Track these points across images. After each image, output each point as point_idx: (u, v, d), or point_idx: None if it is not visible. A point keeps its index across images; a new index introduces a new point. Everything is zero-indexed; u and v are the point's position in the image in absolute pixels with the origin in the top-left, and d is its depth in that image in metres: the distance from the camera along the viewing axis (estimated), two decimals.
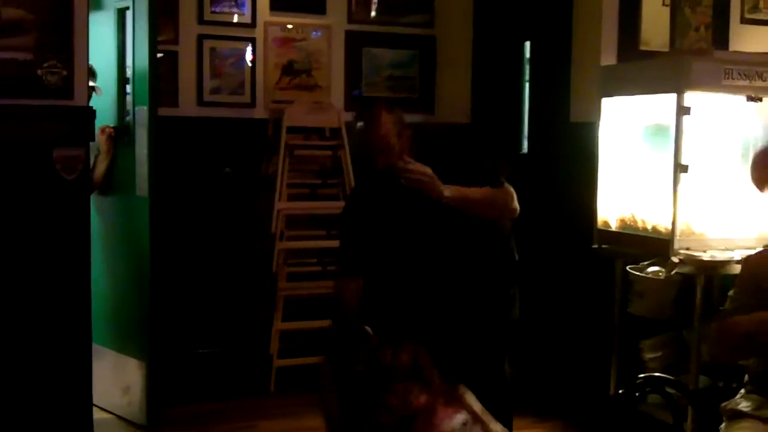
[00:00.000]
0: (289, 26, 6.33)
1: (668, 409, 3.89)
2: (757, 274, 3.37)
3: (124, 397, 5.27)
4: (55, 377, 4.36)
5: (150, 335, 5.05)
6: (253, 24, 6.23)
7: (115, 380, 5.30)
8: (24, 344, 4.27)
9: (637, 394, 3.29)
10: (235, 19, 6.21)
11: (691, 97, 4.37)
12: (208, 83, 6.16)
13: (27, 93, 4.14)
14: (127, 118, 5.16)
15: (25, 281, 4.27)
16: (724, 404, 3.38)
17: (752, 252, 3.62)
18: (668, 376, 3.44)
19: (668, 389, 3.38)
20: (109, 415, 5.30)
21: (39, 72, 4.16)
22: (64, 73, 4.20)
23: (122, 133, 5.21)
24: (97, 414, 4.96)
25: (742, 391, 3.38)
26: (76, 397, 4.44)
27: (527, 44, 6.22)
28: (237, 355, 6.18)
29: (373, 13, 6.57)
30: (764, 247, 3.80)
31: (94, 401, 4.66)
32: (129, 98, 5.16)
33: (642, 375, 3.47)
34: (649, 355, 4.86)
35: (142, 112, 4.98)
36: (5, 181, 4.20)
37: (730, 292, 3.48)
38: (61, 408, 4.39)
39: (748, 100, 4.48)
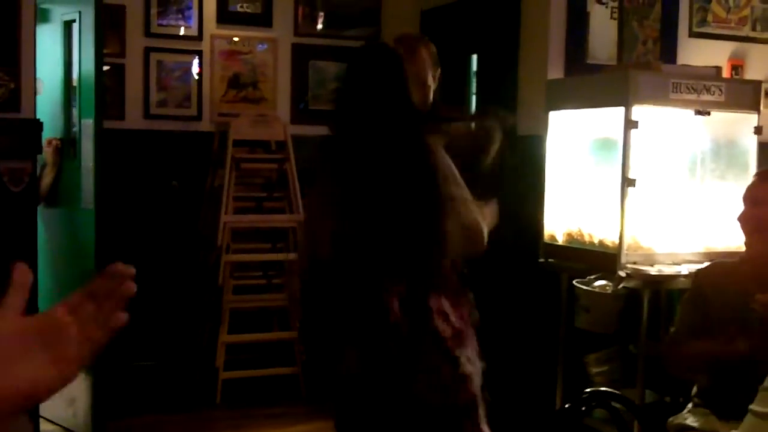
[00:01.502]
0: (236, 39, 6.31)
1: (614, 424, 3.93)
2: (705, 286, 3.42)
3: (69, 409, 5.20)
4: None
5: None
6: (199, 37, 6.20)
7: (60, 392, 5.21)
8: None
9: (583, 408, 3.29)
10: (182, 32, 6.17)
11: (638, 111, 4.40)
12: (155, 96, 6.11)
13: None
14: (74, 130, 5.11)
15: None
16: (671, 419, 3.42)
17: (701, 266, 3.68)
18: (614, 391, 3.46)
19: (614, 404, 3.40)
20: (55, 427, 5.24)
21: None
22: (11, 85, 4.17)
23: (68, 145, 5.16)
24: (43, 425, 4.94)
25: (690, 405, 3.42)
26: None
27: (474, 57, 6.24)
28: (183, 368, 6.13)
29: (319, 26, 6.57)
30: (711, 261, 3.87)
31: (40, 413, 4.60)
32: (75, 111, 5.11)
33: (588, 389, 3.49)
34: (594, 370, 4.88)
35: (88, 124, 4.94)
36: None
37: (677, 316, 3.53)
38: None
39: (696, 114, 4.54)
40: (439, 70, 3.68)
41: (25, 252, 4.34)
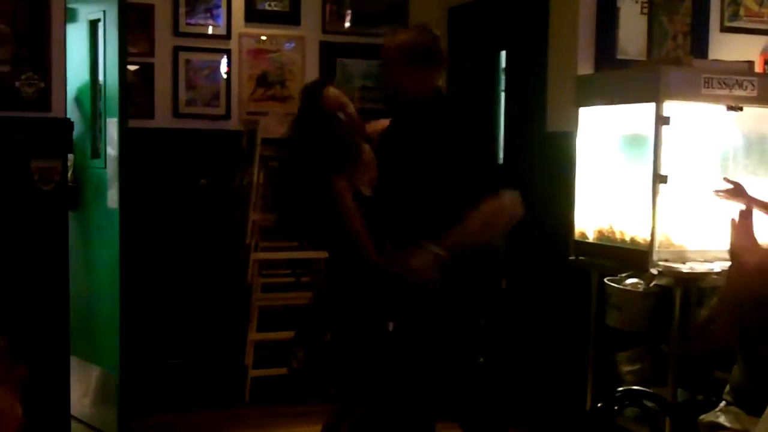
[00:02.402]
0: (263, 38, 6.31)
1: (645, 423, 3.90)
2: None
3: (95, 407, 5.24)
4: (33, 387, 4.31)
5: (122, 346, 5.01)
6: (228, 36, 6.21)
7: (87, 390, 5.28)
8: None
9: (615, 407, 3.27)
10: (210, 30, 6.18)
11: (669, 107, 4.36)
12: (184, 95, 6.13)
13: (4, 105, 4.13)
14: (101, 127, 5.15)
15: (2, 290, 4.23)
16: (702, 417, 3.38)
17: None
18: (647, 389, 3.44)
19: (646, 402, 3.37)
20: (82, 425, 5.26)
21: (16, 84, 4.14)
22: (42, 85, 4.19)
23: (95, 144, 5.18)
24: (74, 424, 5.00)
25: (722, 404, 3.38)
26: (54, 407, 4.41)
27: (503, 54, 6.21)
28: (212, 366, 6.15)
29: (347, 24, 6.56)
30: None
31: (73, 412, 4.64)
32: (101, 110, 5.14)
33: (620, 388, 3.46)
34: (625, 368, 4.84)
35: (112, 124, 4.94)
36: None
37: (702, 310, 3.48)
38: (39, 418, 4.34)
39: (728, 109, 4.49)
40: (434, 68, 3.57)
41: (56, 251, 4.37)
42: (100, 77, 5.13)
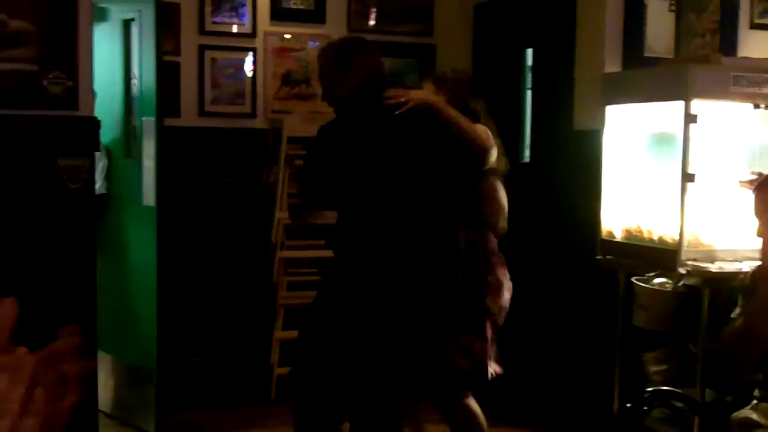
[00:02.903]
0: (287, 36, 6.30)
1: (672, 424, 3.87)
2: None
3: (132, 404, 5.30)
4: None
5: (159, 343, 5.05)
6: (253, 34, 6.21)
7: (123, 387, 5.33)
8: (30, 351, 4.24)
9: (644, 407, 3.25)
10: (235, 29, 6.19)
11: (697, 105, 4.33)
12: (209, 93, 6.14)
13: (32, 104, 4.15)
14: (133, 128, 5.18)
15: (31, 289, 4.25)
16: (734, 414, 3.35)
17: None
18: (676, 390, 3.41)
19: (675, 403, 3.34)
20: (115, 422, 5.31)
21: (44, 83, 4.15)
22: (69, 83, 4.19)
23: (127, 143, 5.21)
24: (106, 420, 5.09)
25: (754, 401, 3.36)
26: (82, 403, 4.42)
27: (529, 51, 6.19)
28: (237, 364, 6.16)
29: (371, 22, 6.55)
30: None
31: (105, 409, 4.66)
32: (134, 109, 5.17)
33: (649, 389, 3.44)
34: (653, 368, 4.81)
35: (149, 122, 4.97)
36: (11, 190, 4.21)
37: (734, 313, 3.44)
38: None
39: (755, 107, 4.45)
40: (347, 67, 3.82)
41: (84, 249, 4.39)
42: (133, 76, 5.15)
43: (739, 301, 3.46)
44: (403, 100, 3.54)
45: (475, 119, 3.84)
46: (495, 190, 3.99)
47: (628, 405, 3.16)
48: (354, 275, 3.67)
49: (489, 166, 3.85)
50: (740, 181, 4.39)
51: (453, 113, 3.63)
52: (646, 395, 3.24)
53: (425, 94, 3.72)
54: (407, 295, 3.62)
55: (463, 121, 3.65)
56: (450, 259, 3.76)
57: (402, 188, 3.61)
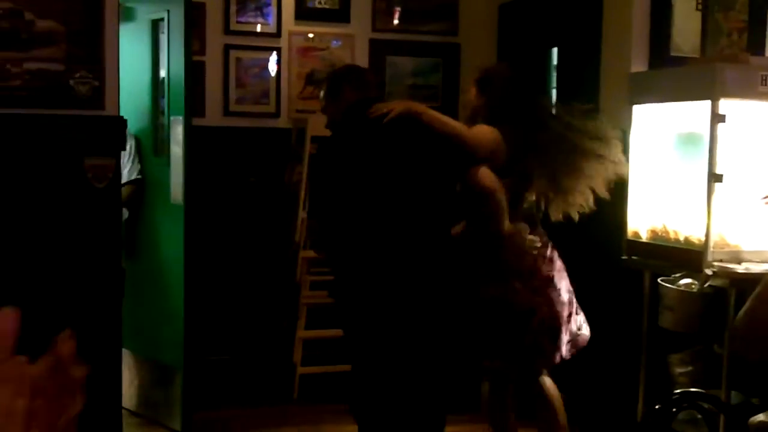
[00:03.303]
0: (310, 35, 6.31)
1: (696, 425, 3.85)
2: None
3: (158, 402, 5.32)
4: (86, 382, 4.35)
5: (186, 341, 5.06)
6: (278, 34, 6.22)
7: (148, 385, 5.36)
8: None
9: (673, 409, 3.23)
10: (260, 29, 6.20)
11: (725, 105, 4.30)
12: (234, 93, 6.15)
13: (59, 103, 4.17)
14: (162, 127, 5.23)
15: (57, 287, 4.28)
16: (753, 418, 3.34)
17: None
18: (703, 391, 3.39)
19: (702, 404, 3.32)
20: (141, 420, 5.34)
21: (70, 82, 4.17)
22: (95, 83, 4.21)
23: (155, 142, 5.24)
24: (131, 419, 5.12)
25: None
26: (106, 401, 4.45)
27: (554, 51, 6.17)
28: (261, 363, 6.17)
29: (395, 21, 6.54)
30: None
31: (131, 407, 4.72)
32: (163, 108, 5.21)
33: (677, 390, 3.42)
34: (678, 370, 4.79)
35: (177, 121, 5.00)
36: (38, 189, 4.24)
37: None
38: (91, 413, 4.38)
39: None
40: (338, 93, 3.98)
41: (110, 247, 4.41)
42: (162, 76, 5.18)
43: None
44: (385, 110, 3.67)
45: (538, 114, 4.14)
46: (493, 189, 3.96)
47: (657, 406, 3.14)
48: (361, 287, 3.73)
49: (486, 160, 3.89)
50: (764, 197, 4.35)
51: (434, 114, 3.78)
52: (674, 397, 3.22)
53: (405, 102, 3.88)
54: (418, 301, 3.67)
55: (445, 119, 3.80)
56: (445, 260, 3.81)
57: (400, 193, 3.69)
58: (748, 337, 3.32)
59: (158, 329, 5.24)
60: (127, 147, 4.95)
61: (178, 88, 5.00)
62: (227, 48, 6.12)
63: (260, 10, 6.17)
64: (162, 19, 5.08)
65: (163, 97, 5.19)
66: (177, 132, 5.03)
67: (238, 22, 6.13)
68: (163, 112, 5.23)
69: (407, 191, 3.69)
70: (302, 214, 5.86)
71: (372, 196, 3.69)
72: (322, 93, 4.02)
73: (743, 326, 3.39)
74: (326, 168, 3.84)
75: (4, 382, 0.88)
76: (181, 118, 4.98)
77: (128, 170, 5.20)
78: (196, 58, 5.94)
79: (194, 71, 5.91)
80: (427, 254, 3.70)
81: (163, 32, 5.11)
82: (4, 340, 0.91)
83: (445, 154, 3.75)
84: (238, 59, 6.15)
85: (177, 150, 5.04)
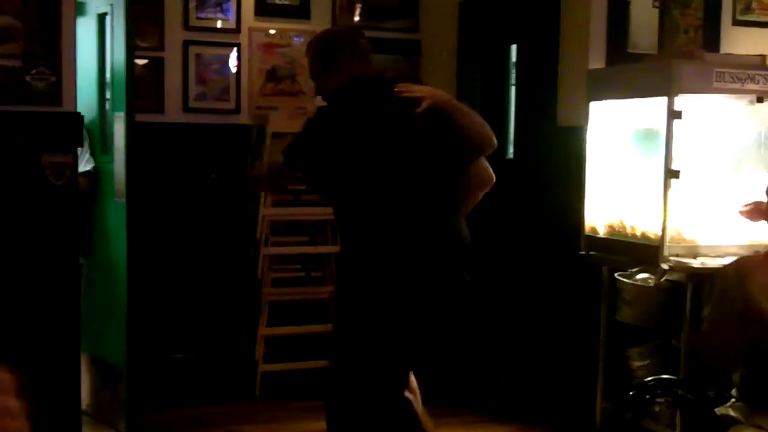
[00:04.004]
0: (272, 32, 6.30)
1: (679, 410, 3.88)
2: (744, 277, 3.36)
3: (104, 402, 5.24)
4: (44, 384, 4.33)
5: (128, 341, 4.99)
6: (237, 30, 6.20)
7: (95, 385, 5.29)
8: (13, 349, 4.23)
9: (647, 396, 3.24)
10: (220, 24, 6.18)
11: (681, 101, 4.35)
12: (194, 89, 6.12)
13: (16, 99, 4.15)
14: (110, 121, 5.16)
15: (14, 285, 4.25)
16: (717, 410, 3.38)
17: (737, 257, 3.63)
18: (676, 378, 3.42)
19: (678, 391, 3.36)
20: (89, 419, 5.24)
21: (27, 78, 4.15)
22: (53, 79, 4.19)
23: (104, 139, 5.19)
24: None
25: (732, 400, 3.39)
26: (65, 403, 4.43)
27: (513, 47, 6.20)
28: (221, 360, 6.15)
29: (356, 18, 6.54)
30: (755, 252, 3.82)
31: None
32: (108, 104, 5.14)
33: (651, 378, 3.42)
34: (636, 363, 4.83)
35: (120, 118, 4.94)
36: None
37: (708, 307, 3.47)
38: (49, 415, 4.35)
39: (757, 101, 4.47)
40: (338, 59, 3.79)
41: (67, 245, 4.38)
42: (108, 71, 5.13)
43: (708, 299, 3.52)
44: (415, 95, 3.54)
45: None
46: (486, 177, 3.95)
47: (632, 393, 3.15)
48: (376, 268, 3.65)
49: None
50: (738, 210, 4.38)
51: (461, 107, 3.65)
52: (649, 383, 3.23)
53: (432, 91, 3.63)
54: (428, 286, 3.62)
55: (466, 109, 3.67)
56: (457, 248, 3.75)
57: (415, 178, 3.60)
58: (711, 348, 3.38)
59: (104, 328, 5.17)
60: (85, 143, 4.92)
61: (120, 84, 4.92)
62: (186, 44, 6.09)
63: (220, 5, 6.15)
64: (107, 14, 5.00)
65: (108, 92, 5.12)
66: (119, 128, 4.94)
67: (197, 18, 6.10)
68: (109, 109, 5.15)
69: (423, 175, 3.61)
70: (264, 210, 5.85)
71: (386, 179, 3.60)
72: (309, 57, 3.85)
73: (705, 337, 3.45)
74: (331, 135, 3.66)
75: None
76: (123, 114, 4.90)
77: (83, 162, 5.15)
78: (154, 54, 5.93)
79: (153, 67, 5.91)
80: (442, 244, 3.63)
81: (108, 27, 5.04)
82: None
83: (458, 144, 3.65)
84: (197, 55, 6.12)
85: (120, 147, 4.95)
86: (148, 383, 5.37)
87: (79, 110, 4.41)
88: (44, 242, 4.30)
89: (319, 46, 3.84)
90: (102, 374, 5.24)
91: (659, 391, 3.24)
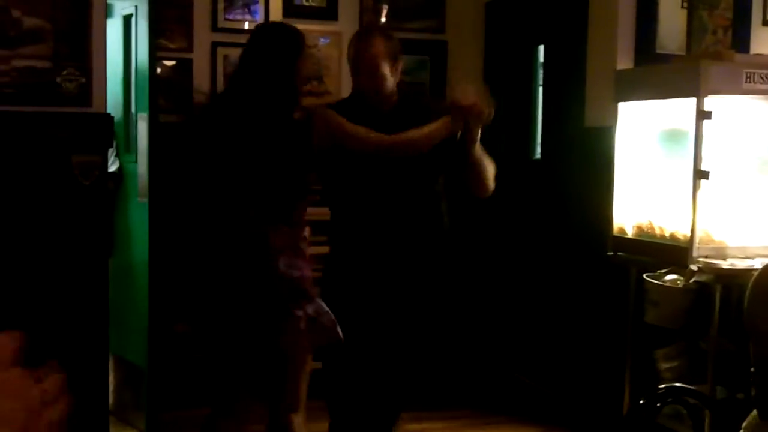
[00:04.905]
0: None
1: (681, 421, 3.87)
2: None
3: (125, 401, 5.31)
4: (73, 383, 4.35)
5: (150, 340, 5.04)
6: None
7: (117, 384, 5.34)
8: (42, 348, 4.26)
9: (658, 404, 3.24)
10: (248, 26, 6.19)
11: (710, 102, 4.33)
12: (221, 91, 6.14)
13: (46, 100, 4.18)
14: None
15: (44, 284, 4.27)
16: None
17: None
18: (689, 387, 3.40)
19: (689, 399, 3.34)
20: (110, 418, 5.28)
21: (57, 80, 4.18)
22: (82, 80, 4.22)
23: (128, 139, 5.25)
24: None
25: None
26: (93, 403, 4.45)
27: (541, 48, 6.19)
28: None
29: (383, 19, 6.54)
30: None
31: None
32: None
33: (662, 385, 3.43)
34: (663, 365, 4.81)
35: (143, 119, 4.98)
36: (25, 186, 4.24)
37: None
38: (78, 414, 4.37)
39: None
40: (402, 62, 3.81)
41: (96, 244, 4.40)
42: (132, 72, 5.17)
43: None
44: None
45: None
46: None
47: (642, 401, 3.15)
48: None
49: None
50: None
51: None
52: (659, 392, 3.23)
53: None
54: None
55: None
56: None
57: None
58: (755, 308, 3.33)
59: (126, 326, 5.21)
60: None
61: (143, 85, 4.97)
62: (214, 45, 6.11)
63: (248, 7, 6.16)
64: (132, 15, 5.06)
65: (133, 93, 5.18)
66: (142, 129, 4.99)
67: (225, 19, 6.11)
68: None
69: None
70: None
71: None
72: (378, 53, 3.70)
73: (749, 300, 3.40)
74: None
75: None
76: (146, 114, 4.94)
77: (109, 163, 5.18)
78: (182, 55, 5.94)
79: (181, 69, 5.92)
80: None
81: (132, 28, 5.08)
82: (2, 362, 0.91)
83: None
84: (225, 56, 6.14)
85: (143, 147, 5.00)
86: (169, 382, 5.39)
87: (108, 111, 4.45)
88: (73, 242, 4.32)
89: (392, 44, 3.78)
90: (123, 373, 5.26)
91: (670, 399, 3.22)
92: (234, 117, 3.54)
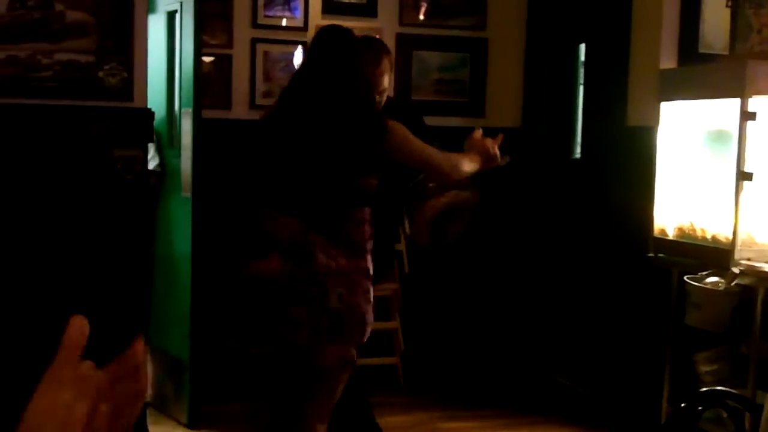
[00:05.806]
0: None
1: (722, 425, 3.82)
2: None
3: (167, 394, 5.33)
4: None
5: (192, 334, 5.06)
6: (305, 27, 6.21)
7: (159, 377, 5.38)
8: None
9: (699, 408, 3.21)
10: (287, 23, 6.20)
11: (755, 103, 4.27)
12: (260, 87, 6.15)
13: (88, 94, 4.20)
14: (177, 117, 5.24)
15: (87, 278, 4.30)
16: None
17: None
18: (730, 390, 3.37)
19: (729, 403, 3.30)
20: (151, 410, 5.31)
21: (100, 74, 4.20)
22: (125, 75, 4.25)
23: (172, 134, 5.27)
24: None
25: None
26: None
27: (582, 46, 6.15)
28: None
29: (423, 16, 6.52)
30: None
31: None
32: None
33: (704, 389, 3.40)
34: (704, 368, 4.75)
35: (187, 114, 5.01)
36: (69, 180, 4.25)
37: None
38: None
39: None
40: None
41: (139, 238, 4.43)
42: (176, 68, 5.19)
43: None
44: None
45: None
46: None
47: (683, 405, 3.12)
48: None
49: None
50: None
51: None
52: (701, 395, 3.20)
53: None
54: None
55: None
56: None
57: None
58: None
59: (168, 320, 5.26)
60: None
61: (188, 81, 5.00)
62: (254, 41, 6.12)
63: (287, 3, 6.17)
64: (176, 11, 5.08)
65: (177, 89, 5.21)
66: (186, 124, 5.02)
67: (265, 16, 6.12)
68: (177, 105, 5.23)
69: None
70: None
71: None
72: (389, 63, 3.85)
73: None
74: None
75: (66, 386, 0.89)
76: (190, 110, 4.98)
77: (150, 160, 5.22)
78: (223, 51, 5.97)
79: (221, 65, 5.95)
80: None
81: (177, 24, 5.11)
82: (74, 348, 0.91)
83: None
84: (265, 53, 6.15)
85: (187, 142, 5.03)
86: (211, 376, 5.40)
87: (149, 106, 4.47)
88: (117, 236, 4.35)
89: (391, 58, 3.93)
90: (165, 366, 5.29)
91: (711, 403, 3.19)
92: (295, 120, 3.52)
